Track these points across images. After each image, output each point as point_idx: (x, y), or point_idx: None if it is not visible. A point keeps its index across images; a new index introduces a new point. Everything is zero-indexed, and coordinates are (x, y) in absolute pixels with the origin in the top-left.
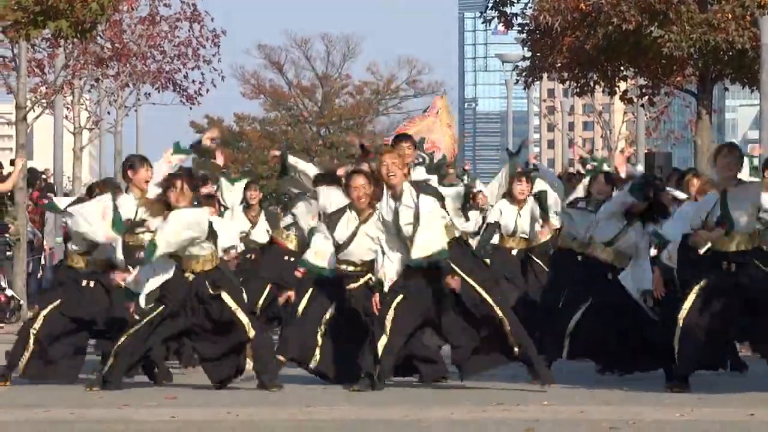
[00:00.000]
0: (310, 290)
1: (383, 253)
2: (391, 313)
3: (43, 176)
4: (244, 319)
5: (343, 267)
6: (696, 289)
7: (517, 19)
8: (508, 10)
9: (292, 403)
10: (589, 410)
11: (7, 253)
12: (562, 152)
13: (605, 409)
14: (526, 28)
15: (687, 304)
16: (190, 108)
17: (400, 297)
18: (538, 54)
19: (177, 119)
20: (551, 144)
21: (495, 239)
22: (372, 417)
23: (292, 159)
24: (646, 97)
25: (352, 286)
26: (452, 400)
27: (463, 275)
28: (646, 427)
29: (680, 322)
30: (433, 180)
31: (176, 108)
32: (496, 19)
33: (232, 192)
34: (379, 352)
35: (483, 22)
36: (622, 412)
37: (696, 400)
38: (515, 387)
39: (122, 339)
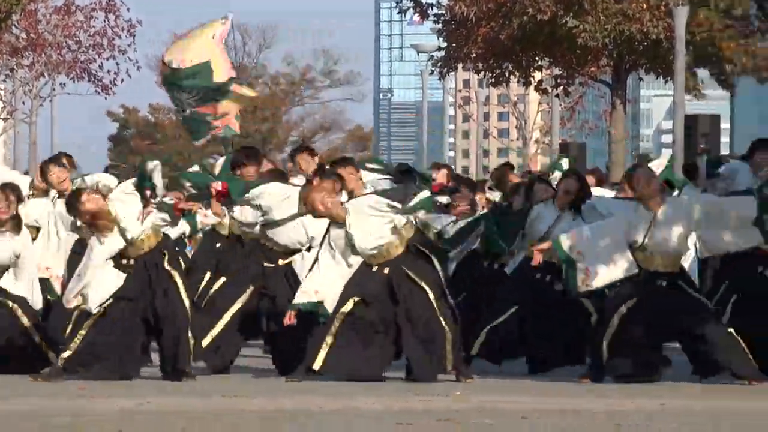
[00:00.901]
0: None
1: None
2: (342, 312)
3: None
4: None
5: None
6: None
7: (432, 9)
8: (423, 0)
9: (212, 393)
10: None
11: None
12: (477, 142)
13: (523, 399)
14: (442, 18)
15: (623, 309)
16: (105, 98)
17: (355, 300)
18: (454, 44)
19: (92, 109)
20: (466, 134)
21: None
22: (292, 407)
23: None
24: (561, 87)
25: (282, 262)
26: (382, 391)
27: (417, 280)
28: (550, 414)
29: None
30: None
31: (91, 98)
32: (411, 9)
33: None
34: (323, 349)
35: (398, 13)
36: (538, 402)
37: (614, 391)
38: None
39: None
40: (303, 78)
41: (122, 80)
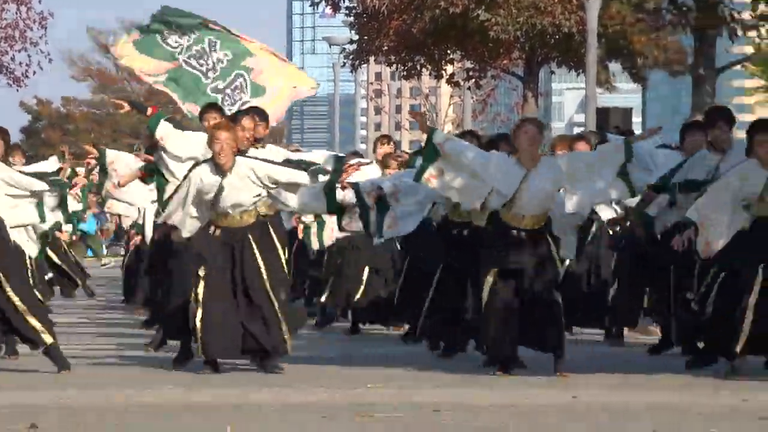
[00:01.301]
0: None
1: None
2: (201, 285)
3: None
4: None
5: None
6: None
7: (344, 2)
8: None
9: (111, 387)
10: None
11: None
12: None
13: (432, 393)
14: (354, 11)
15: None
16: (17, 90)
17: (206, 268)
18: (366, 37)
19: (4, 102)
20: (378, 127)
21: None
22: (200, 400)
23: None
24: (473, 80)
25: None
26: (283, 383)
27: (258, 256)
28: (462, 408)
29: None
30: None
31: (3, 90)
32: (323, 2)
33: None
34: (198, 328)
35: (311, 5)
36: (448, 395)
37: (522, 384)
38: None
39: None
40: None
41: (34, 72)
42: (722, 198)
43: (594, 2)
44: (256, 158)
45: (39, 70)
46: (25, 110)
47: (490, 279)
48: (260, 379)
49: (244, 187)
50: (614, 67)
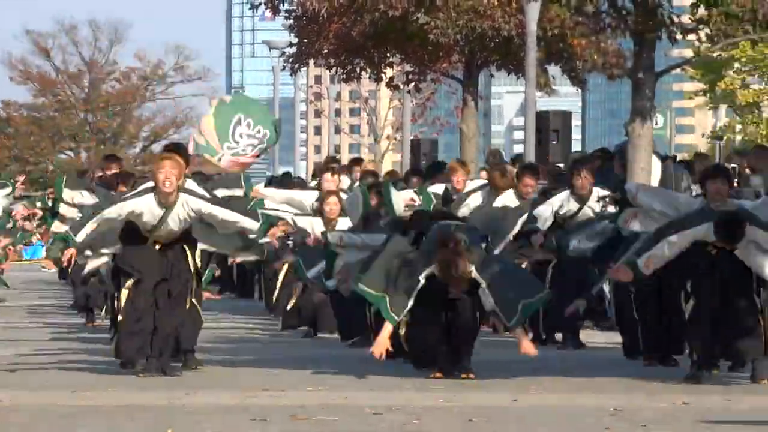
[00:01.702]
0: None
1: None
2: (124, 293)
3: None
4: None
5: None
6: None
7: (284, 5)
8: None
9: (61, 388)
10: (355, 396)
11: None
12: (329, 139)
13: (368, 395)
14: (293, 14)
15: None
16: None
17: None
18: (305, 40)
19: None
20: (318, 130)
21: None
22: (137, 403)
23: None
24: (413, 83)
25: None
26: (221, 385)
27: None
28: (394, 411)
29: None
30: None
31: None
32: (263, 4)
33: None
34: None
35: (250, 8)
36: (387, 398)
37: (458, 386)
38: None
39: None
40: (154, 73)
41: None
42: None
43: (533, 5)
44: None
45: None
46: None
47: None
48: (197, 381)
49: (183, 222)
50: (553, 70)
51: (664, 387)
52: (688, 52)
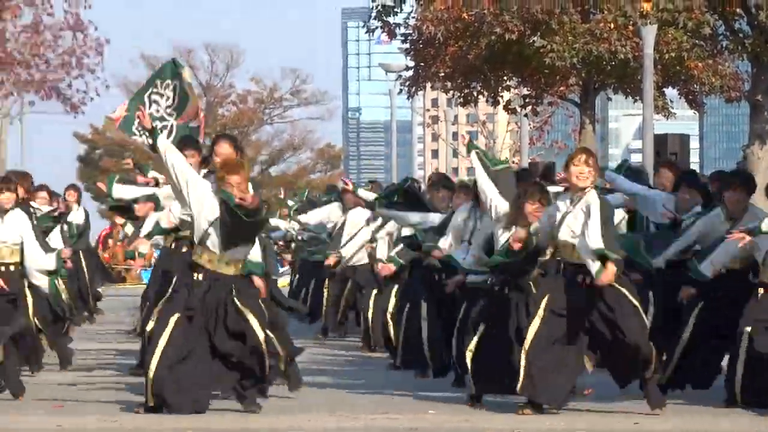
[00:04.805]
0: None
1: None
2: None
3: None
4: None
5: None
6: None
7: (400, 28)
8: (391, 19)
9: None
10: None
11: None
12: (447, 162)
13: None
14: (410, 37)
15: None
16: (74, 117)
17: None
18: (422, 63)
19: (60, 129)
20: (435, 153)
21: None
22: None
23: None
24: (530, 107)
25: None
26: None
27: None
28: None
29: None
30: None
31: (60, 117)
32: (379, 28)
33: None
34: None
35: (366, 32)
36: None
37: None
38: None
39: None
40: (271, 97)
41: (91, 98)
42: None
43: (650, 28)
44: None
45: (96, 97)
46: (78, 139)
47: None
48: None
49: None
50: (671, 93)
51: None
52: None
